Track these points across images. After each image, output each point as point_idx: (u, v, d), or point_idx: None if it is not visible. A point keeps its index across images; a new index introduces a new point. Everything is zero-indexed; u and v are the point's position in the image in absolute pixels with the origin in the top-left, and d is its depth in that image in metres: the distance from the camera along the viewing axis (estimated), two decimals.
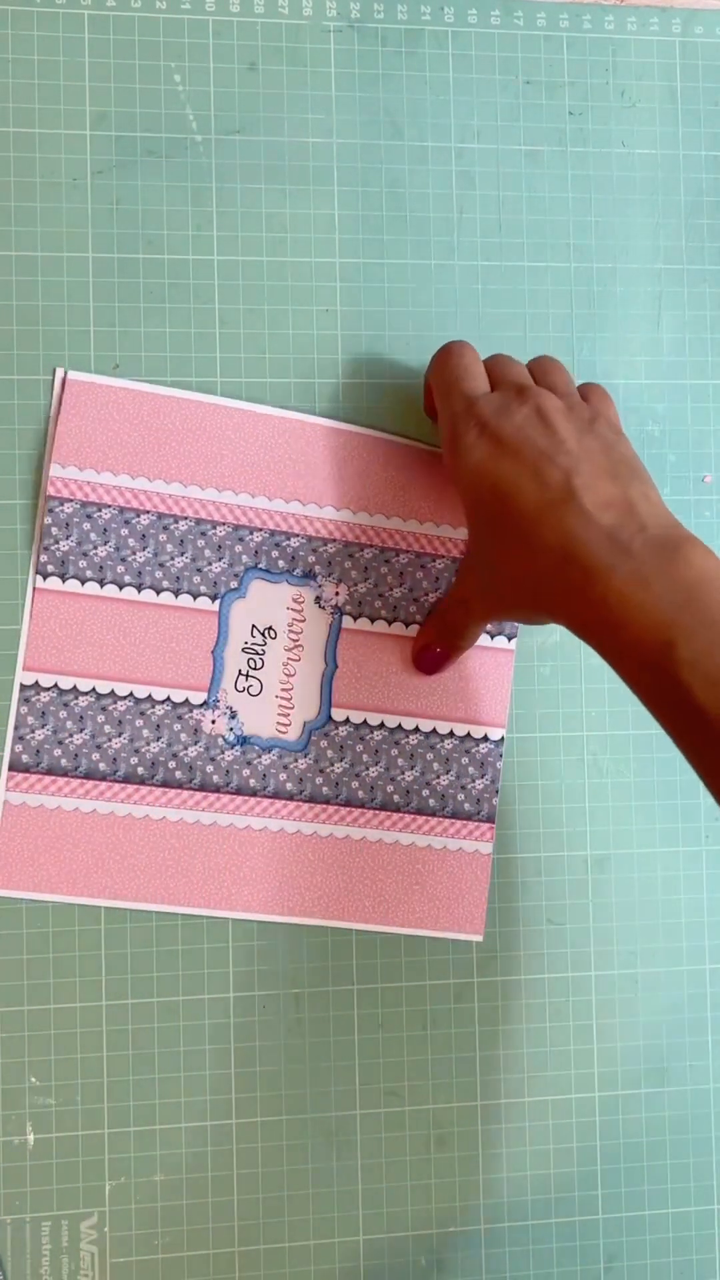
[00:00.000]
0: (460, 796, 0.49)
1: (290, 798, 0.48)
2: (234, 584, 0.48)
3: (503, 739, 0.50)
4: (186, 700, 0.48)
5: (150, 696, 0.48)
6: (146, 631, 0.48)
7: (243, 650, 0.48)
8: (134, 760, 0.47)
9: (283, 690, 0.48)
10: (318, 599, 0.49)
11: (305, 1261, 0.47)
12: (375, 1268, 0.48)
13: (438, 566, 0.50)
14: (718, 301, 0.52)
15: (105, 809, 0.47)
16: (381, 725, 0.49)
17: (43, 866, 0.46)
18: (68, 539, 0.47)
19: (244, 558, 0.48)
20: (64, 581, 0.47)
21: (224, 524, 0.48)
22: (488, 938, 0.49)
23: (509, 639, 0.50)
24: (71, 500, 0.47)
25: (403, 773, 0.49)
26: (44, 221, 0.48)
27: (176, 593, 0.48)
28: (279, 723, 0.48)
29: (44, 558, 0.47)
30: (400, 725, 0.49)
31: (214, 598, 0.48)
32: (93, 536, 0.47)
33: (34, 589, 0.47)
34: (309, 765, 0.48)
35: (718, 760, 0.38)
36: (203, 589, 0.48)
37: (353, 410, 0.50)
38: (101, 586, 0.48)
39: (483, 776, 0.49)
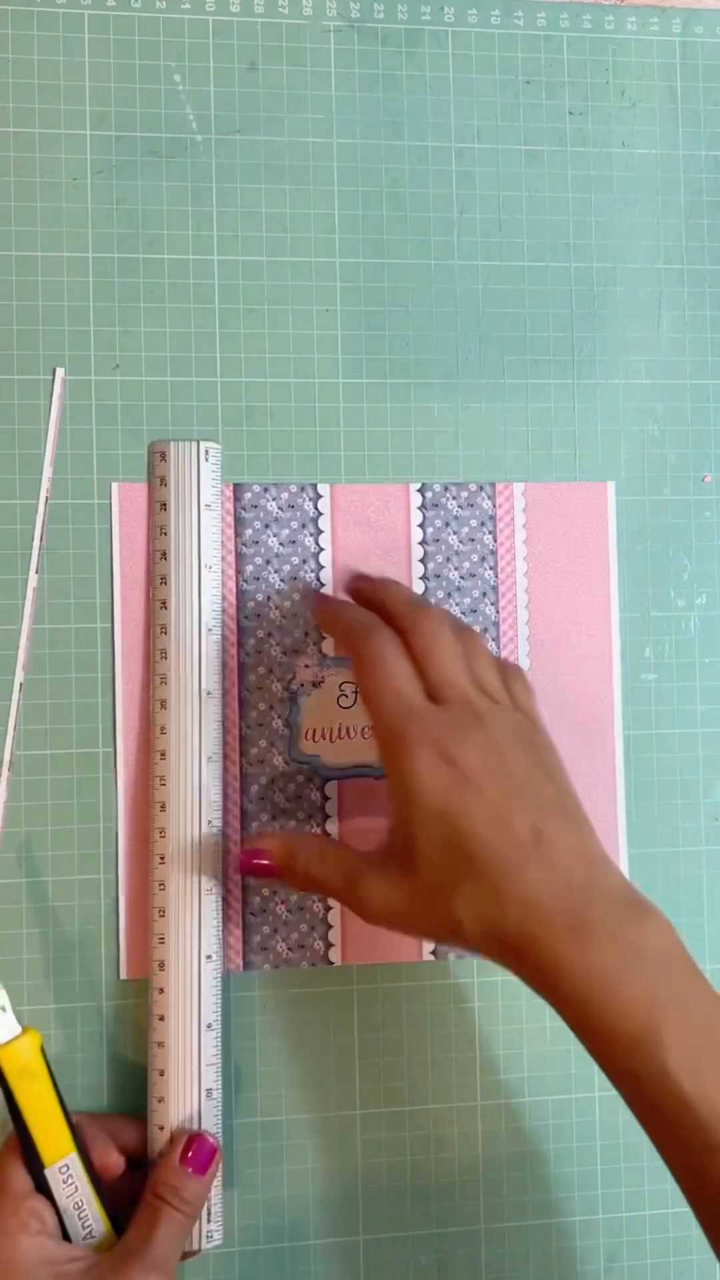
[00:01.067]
0: None
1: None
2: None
3: None
4: None
5: None
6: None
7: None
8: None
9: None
10: None
11: (306, 1261, 0.47)
12: (375, 1269, 0.48)
13: None
14: (718, 301, 0.52)
15: None
16: None
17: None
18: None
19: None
20: None
21: None
22: None
23: None
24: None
25: None
26: (44, 221, 0.48)
27: None
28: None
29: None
30: None
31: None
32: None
33: (33, 589, 0.47)
34: None
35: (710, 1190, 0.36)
36: None
37: (352, 411, 0.50)
38: None
39: None
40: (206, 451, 0.47)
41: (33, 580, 0.47)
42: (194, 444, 0.47)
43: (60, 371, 0.48)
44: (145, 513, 0.48)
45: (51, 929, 0.47)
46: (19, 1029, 0.42)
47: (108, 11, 0.49)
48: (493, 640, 0.50)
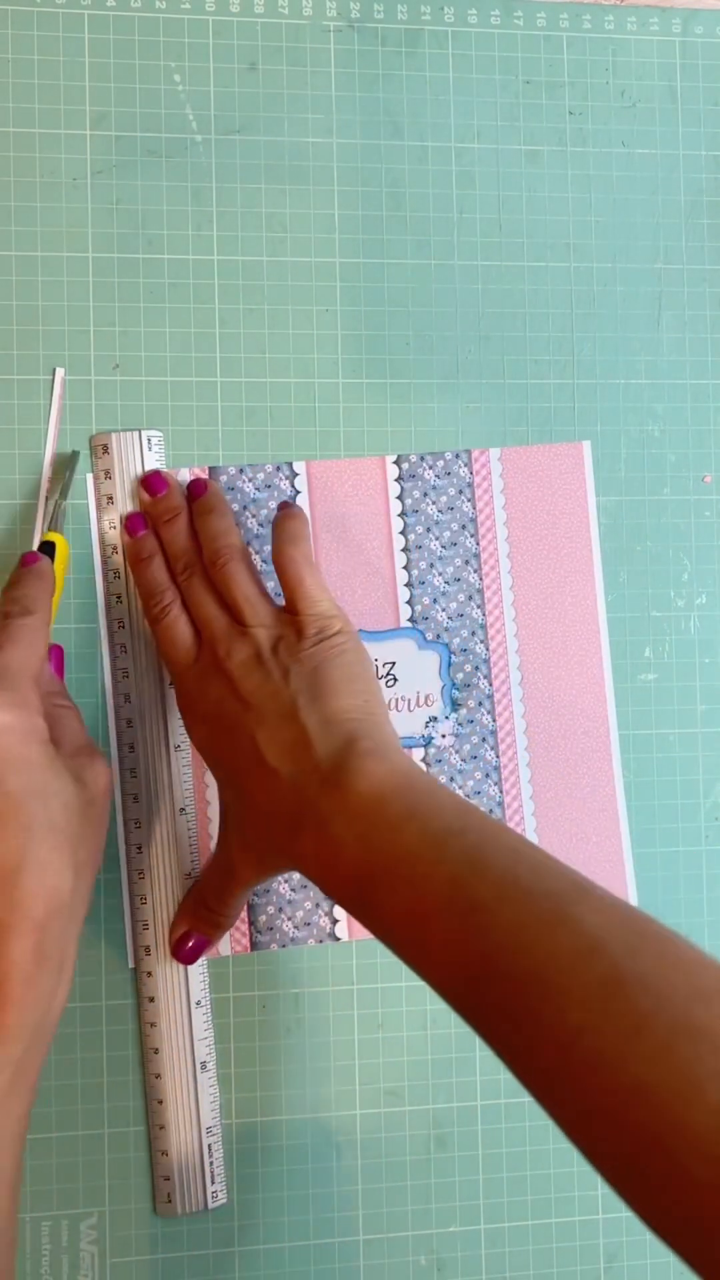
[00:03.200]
0: None
1: None
2: None
3: None
4: None
5: None
6: None
7: None
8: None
9: None
10: None
11: (305, 1262, 0.47)
12: (375, 1268, 0.48)
13: None
14: (718, 301, 0.52)
15: None
16: None
17: None
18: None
19: None
20: None
21: None
22: None
23: None
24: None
25: None
26: (44, 221, 0.48)
27: None
28: None
29: None
30: None
31: None
32: None
33: None
34: None
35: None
36: None
37: (352, 411, 0.50)
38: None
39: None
40: (149, 440, 0.47)
41: None
42: (135, 434, 0.47)
43: (60, 371, 0.48)
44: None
45: None
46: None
47: (107, 11, 0.49)
48: (477, 607, 0.50)
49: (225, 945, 0.47)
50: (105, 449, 0.47)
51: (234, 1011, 0.48)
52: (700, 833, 0.51)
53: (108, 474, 0.47)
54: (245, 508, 0.49)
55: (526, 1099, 0.49)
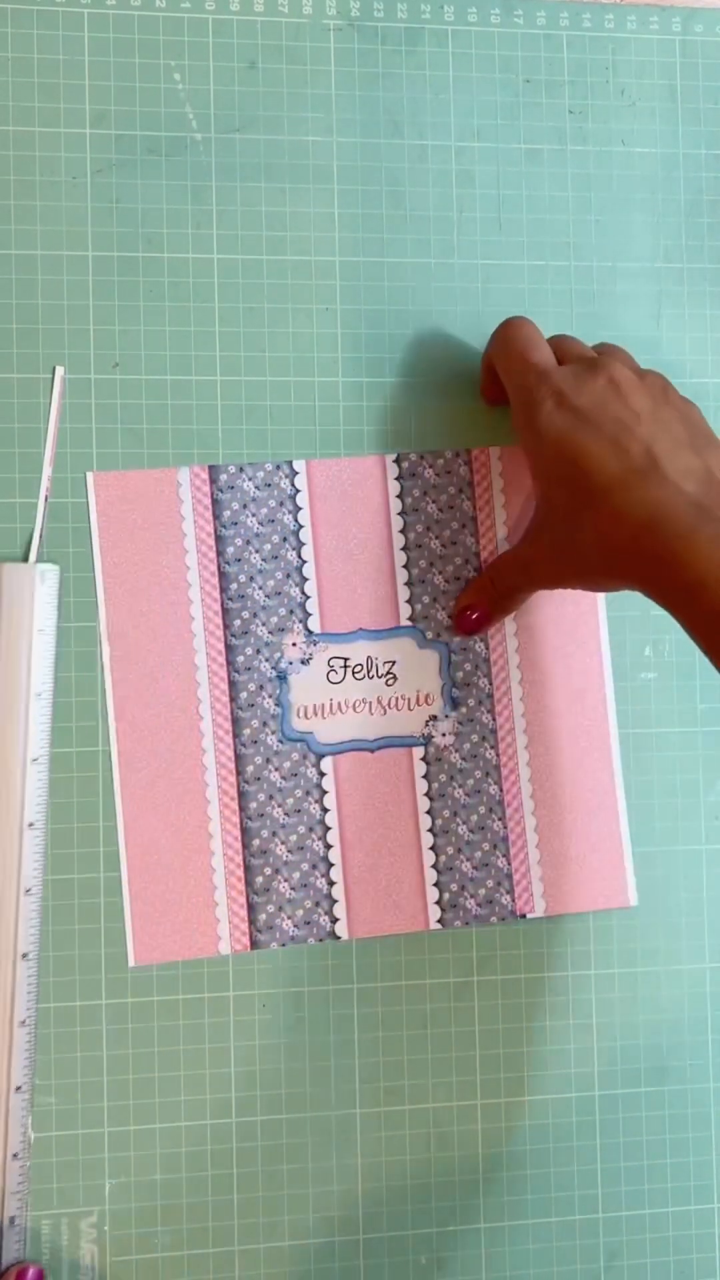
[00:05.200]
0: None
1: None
2: None
3: None
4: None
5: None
6: None
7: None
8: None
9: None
10: None
11: (305, 1261, 0.47)
12: (375, 1267, 0.48)
13: None
14: (718, 301, 0.52)
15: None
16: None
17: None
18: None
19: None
20: None
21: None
22: (487, 935, 0.49)
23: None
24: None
25: None
26: (44, 220, 0.48)
27: None
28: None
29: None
30: None
31: None
32: None
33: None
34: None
35: None
36: None
37: (352, 410, 0.50)
38: None
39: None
40: (43, 575, 0.46)
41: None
42: (31, 567, 0.46)
43: (60, 370, 0.48)
44: (123, 501, 0.48)
45: (51, 928, 0.47)
46: None
47: (107, 10, 0.49)
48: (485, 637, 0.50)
49: (225, 944, 0.47)
50: None
51: (234, 1010, 0.48)
52: (700, 832, 0.51)
53: None
54: (245, 506, 0.48)
55: (527, 1098, 0.49)
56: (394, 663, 0.49)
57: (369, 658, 0.49)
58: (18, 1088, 0.45)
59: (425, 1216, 0.48)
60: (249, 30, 0.50)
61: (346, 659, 0.49)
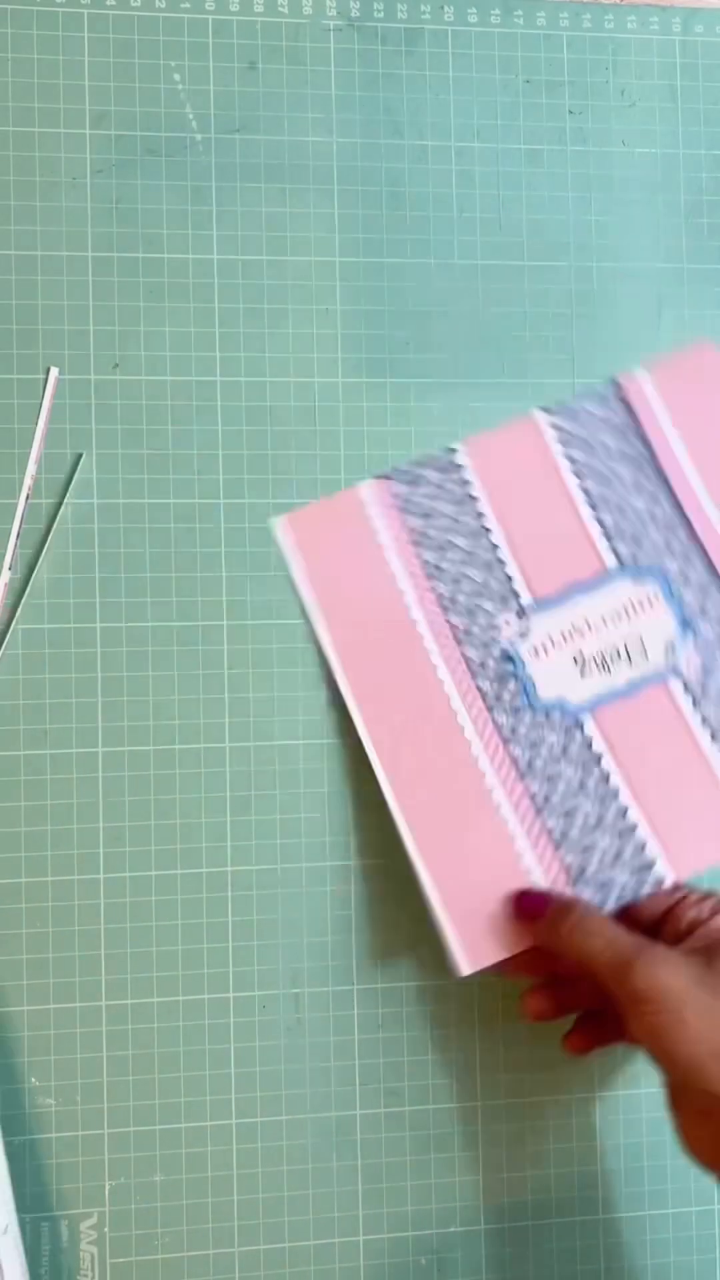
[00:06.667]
0: None
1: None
2: None
3: None
4: None
5: None
6: None
7: None
8: None
9: None
10: None
11: (305, 1261, 0.47)
12: (375, 1268, 0.48)
13: None
14: (718, 301, 0.52)
15: None
16: None
17: None
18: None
19: None
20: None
21: None
22: None
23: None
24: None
25: None
26: (44, 221, 0.48)
27: None
28: None
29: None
30: None
31: None
32: None
33: (4, 584, 0.47)
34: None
35: None
36: None
37: (352, 411, 0.50)
38: None
39: None
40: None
41: (5, 576, 0.47)
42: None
43: (54, 371, 0.48)
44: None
45: (51, 929, 0.47)
46: None
47: (107, 10, 0.49)
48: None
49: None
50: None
51: (234, 1011, 0.48)
52: None
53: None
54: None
55: (526, 1099, 0.49)
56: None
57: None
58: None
59: (425, 1217, 0.48)
60: (249, 30, 0.50)
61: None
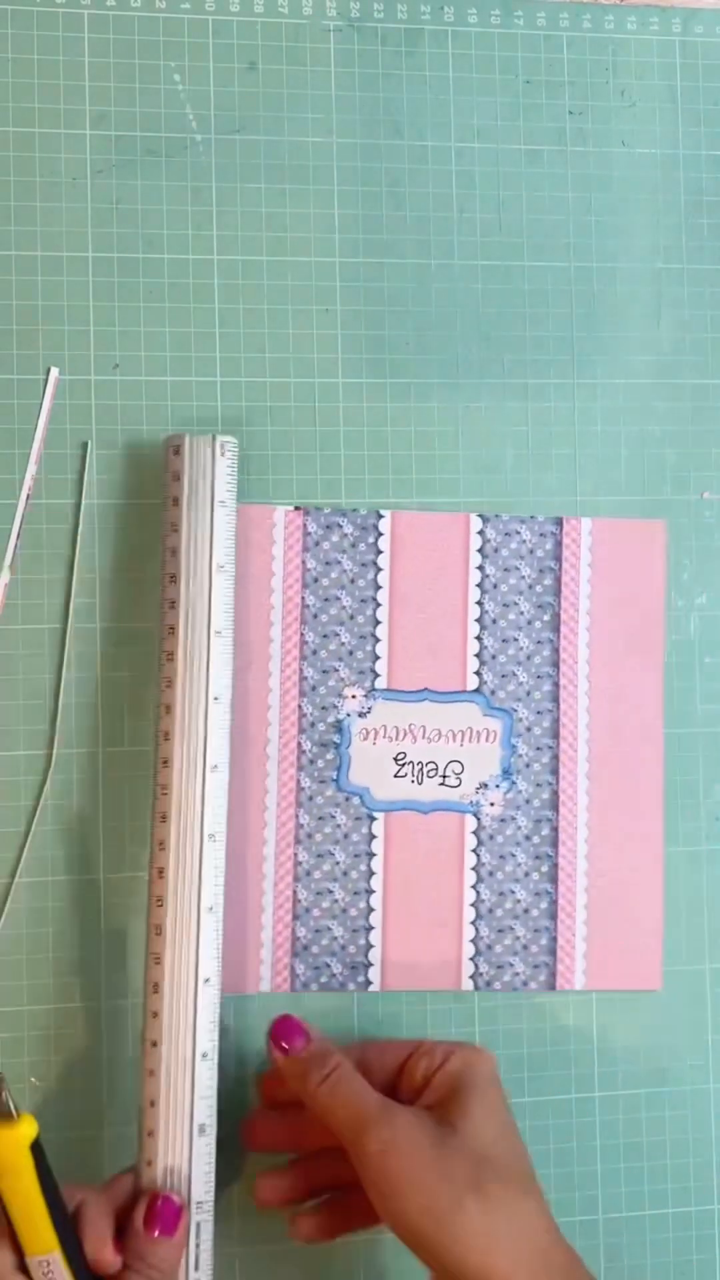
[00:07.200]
0: None
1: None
2: None
3: None
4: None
5: None
6: None
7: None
8: None
9: None
10: None
11: (306, 1261, 0.47)
12: (376, 1267, 0.48)
13: None
14: (718, 301, 0.52)
15: None
16: None
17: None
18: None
19: None
20: None
21: None
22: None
23: None
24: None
25: None
26: (44, 221, 0.48)
27: None
28: None
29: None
30: None
31: None
32: None
33: (4, 584, 0.47)
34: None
35: None
36: None
37: (352, 411, 0.50)
38: None
39: None
40: (222, 446, 0.46)
41: (5, 576, 0.47)
42: (209, 438, 0.46)
43: (54, 372, 0.48)
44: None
45: (52, 929, 0.47)
46: (14, 1116, 0.39)
47: (107, 11, 0.49)
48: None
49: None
50: (177, 451, 0.46)
51: (234, 1013, 0.48)
52: (700, 833, 0.51)
53: (177, 476, 0.46)
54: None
55: (525, 1099, 0.49)
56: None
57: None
58: (206, 979, 0.43)
59: None
60: (249, 31, 0.50)
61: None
